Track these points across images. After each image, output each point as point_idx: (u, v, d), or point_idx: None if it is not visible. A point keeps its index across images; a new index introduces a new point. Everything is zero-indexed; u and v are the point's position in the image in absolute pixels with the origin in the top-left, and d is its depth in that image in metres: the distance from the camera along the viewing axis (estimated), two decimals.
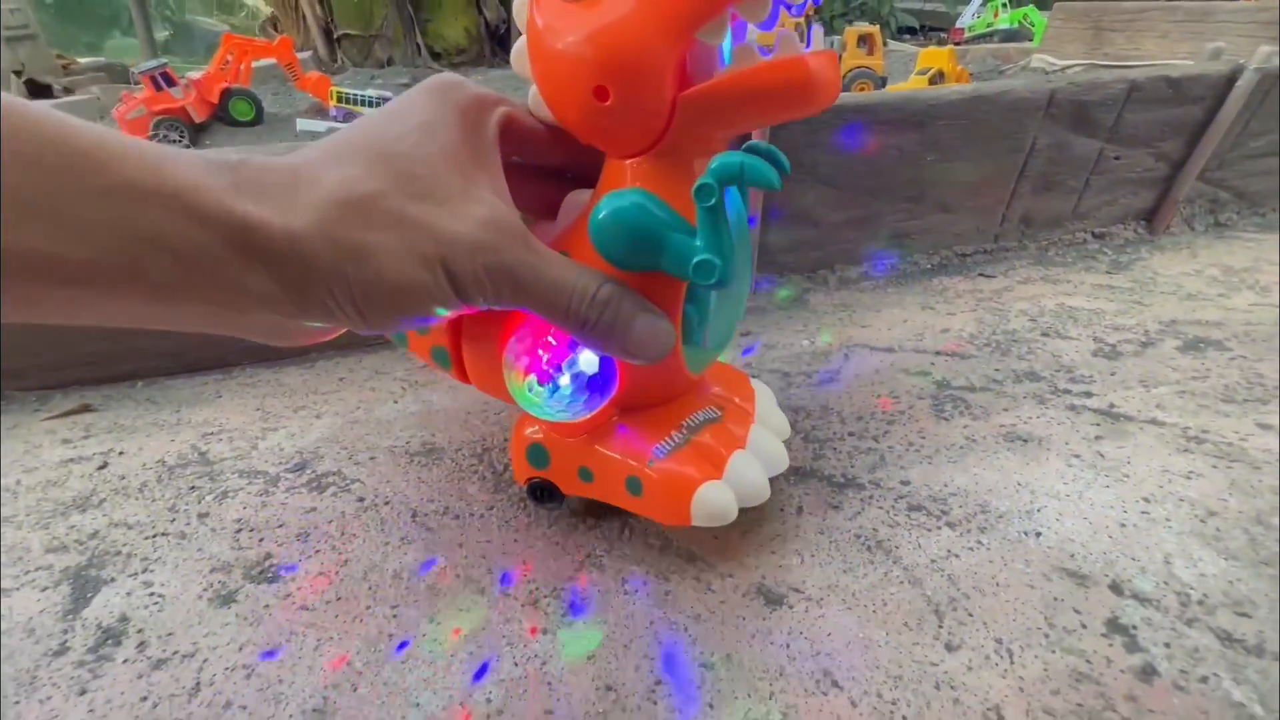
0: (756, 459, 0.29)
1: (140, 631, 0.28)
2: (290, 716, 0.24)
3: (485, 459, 0.38)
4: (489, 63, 2.25)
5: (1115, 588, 0.27)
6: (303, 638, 0.27)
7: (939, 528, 0.31)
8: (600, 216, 0.22)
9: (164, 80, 1.07)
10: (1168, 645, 0.24)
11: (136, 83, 1.35)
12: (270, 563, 0.31)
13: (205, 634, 0.28)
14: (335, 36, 1.99)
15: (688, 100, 0.20)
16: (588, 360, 0.25)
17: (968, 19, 2.67)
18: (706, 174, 0.20)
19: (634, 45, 0.19)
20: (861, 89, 1.16)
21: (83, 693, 0.26)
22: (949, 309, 0.52)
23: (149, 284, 0.16)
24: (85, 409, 0.46)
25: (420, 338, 0.31)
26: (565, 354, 0.24)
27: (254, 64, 1.33)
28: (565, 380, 0.25)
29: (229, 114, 1.16)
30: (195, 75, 1.13)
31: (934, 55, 0.78)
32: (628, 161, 0.23)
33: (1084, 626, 0.25)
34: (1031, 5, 2.18)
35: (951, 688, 0.23)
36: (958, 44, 2.50)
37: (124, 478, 0.38)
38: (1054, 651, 0.24)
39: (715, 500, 0.27)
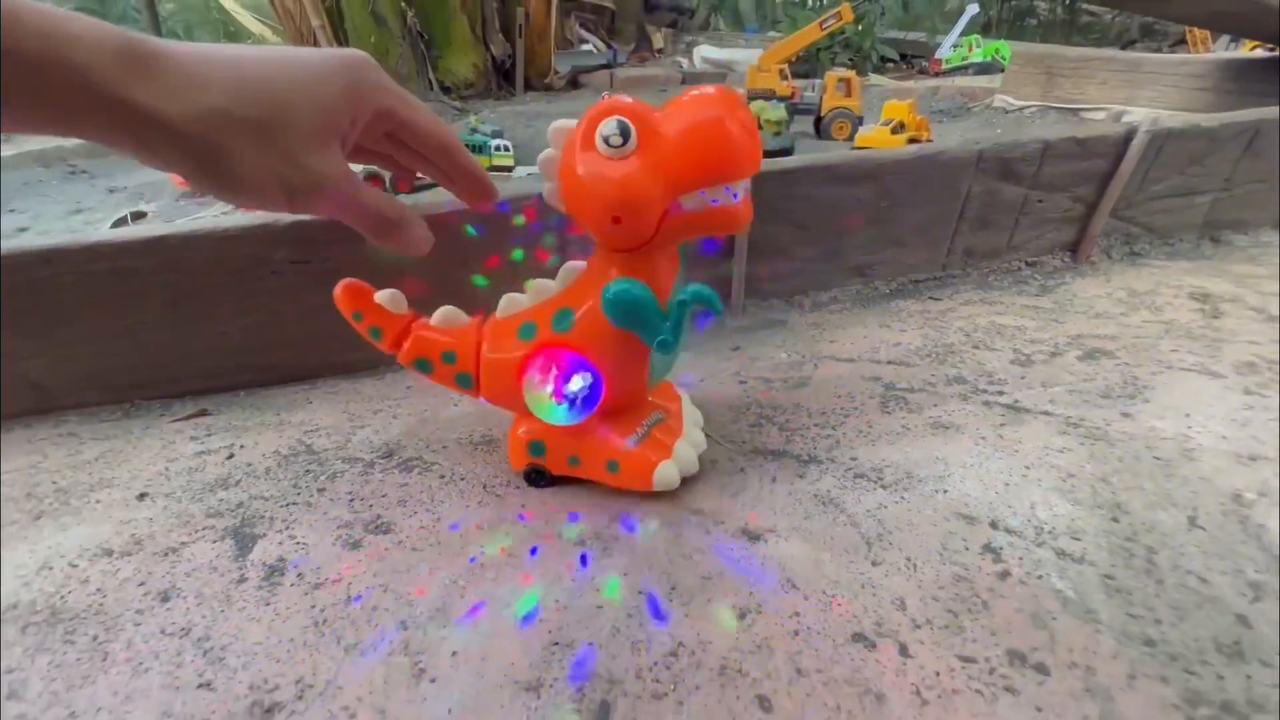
0: (690, 445, 0.43)
1: (296, 567, 0.39)
2: (420, 614, 0.35)
3: None
4: (495, 95, 2.39)
5: (993, 524, 0.38)
6: (417, 567, 0.38)
7: (875, 489, 0.42)
8: (616, 291, 0.35)
9: None
10: (1021, 558, 0.36)
11: None
12: (381, 520, 0.42)
13: (346, 567, 0.38)
14: None
15: (667, 225, 0.33)
16: (582, 383, 0.38)
17: (946, 50, 2.84)
18: (686, 294, 0.36)
19: (643, 197, 0.31)
20: (840, 128, 1.30)
21: (267, 604, 0.36)
22: (901, 327, 0.64)
23: (60, 126, 0.23)
24: (203, 413, 0.57)
25: (445, 367, 0.42)
26: (569, 377, 0.38)
27: None
28: (576, 387, 0.38)
29: None
30: None
31: (896, 108, 0.90)
32: (617, 253, 0.36)
33: (966, 549, 0.36)
34: (1003, 41, 2.34)
35: (873, 587, 0.34)
36: (936, 74, 2.66)
37: (250, 464, 0.49)
38: (944, 564, 0.36)
39: (668, 474, 0.41)
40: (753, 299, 0.67)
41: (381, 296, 0.43)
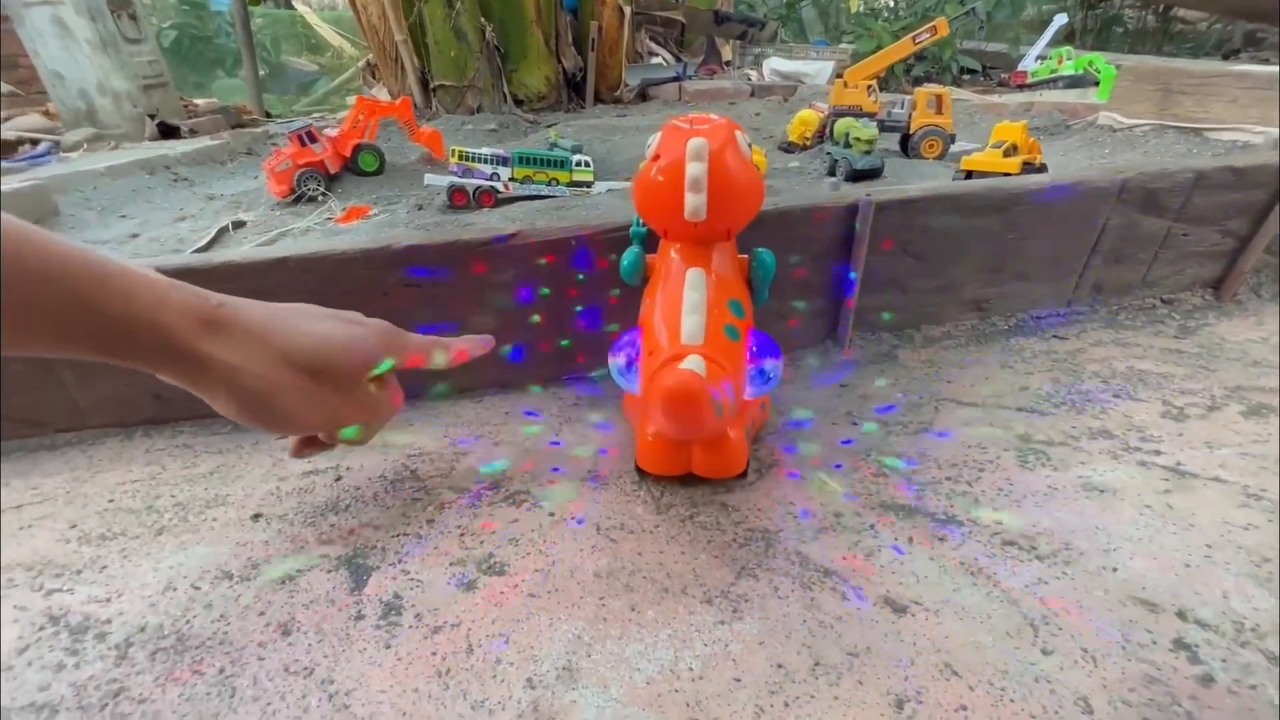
0: None
1: (413, 607, 0.38)
2: (547, 672, 0.33)
3: (643, 486, 0.47)
4: (565, 108, 2.41)
5: (1180, 615, 0.34)
6: (538, 616, 0.36)
7: (1029, 560, 0.38)
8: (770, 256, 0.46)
9: (308, 138, 1.23)
10: (1224, 660, 0.31)
11: (259, 137, 1.54)
12: (494, 560, 0.41)
13: (463, 610, 0.37)
14: (431, 86, 2.19)
15: None
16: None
17: (1030, 63, 2.71)
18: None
19: None
20: (931, 146, 1.24)
21: (387, 646, 0.35)
22: (1027, 368, 0.59)
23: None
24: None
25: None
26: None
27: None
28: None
29: (358, 165, 1.32)
30: (332, 133, 1.29)
31: (1008, 130, 0.85)
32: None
33: (1154, 643, 0.32)
34: (1098, 54, 2.21)
35: (1048, 681, 0.31)
36: (1020, 87, 2.54)
37: (358, 488, 0.49)
38: (1130, 660, 0.31)
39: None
40: (859, 330, 0.64)
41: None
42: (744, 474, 0.46)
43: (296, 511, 0.47)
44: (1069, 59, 2.29)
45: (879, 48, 2.44)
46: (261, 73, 3.61)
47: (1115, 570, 0.37)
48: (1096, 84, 2.12)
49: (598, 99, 2.51)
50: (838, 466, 0.48)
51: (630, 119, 2.12)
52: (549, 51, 2.37)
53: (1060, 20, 2.77)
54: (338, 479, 0.50)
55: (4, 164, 1.86)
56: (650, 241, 0.48)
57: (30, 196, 1.22)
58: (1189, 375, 0.57)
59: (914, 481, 0.46)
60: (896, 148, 1.36)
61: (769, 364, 0.42)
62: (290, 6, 5.50)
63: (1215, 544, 0.38)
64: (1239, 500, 0.42)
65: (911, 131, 1.27)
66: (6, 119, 2.58)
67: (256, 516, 0.47)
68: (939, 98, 1.24)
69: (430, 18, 2.08)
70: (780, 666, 0.32)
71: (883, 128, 1.33)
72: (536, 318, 0.57)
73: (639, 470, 0.47)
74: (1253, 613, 0.34)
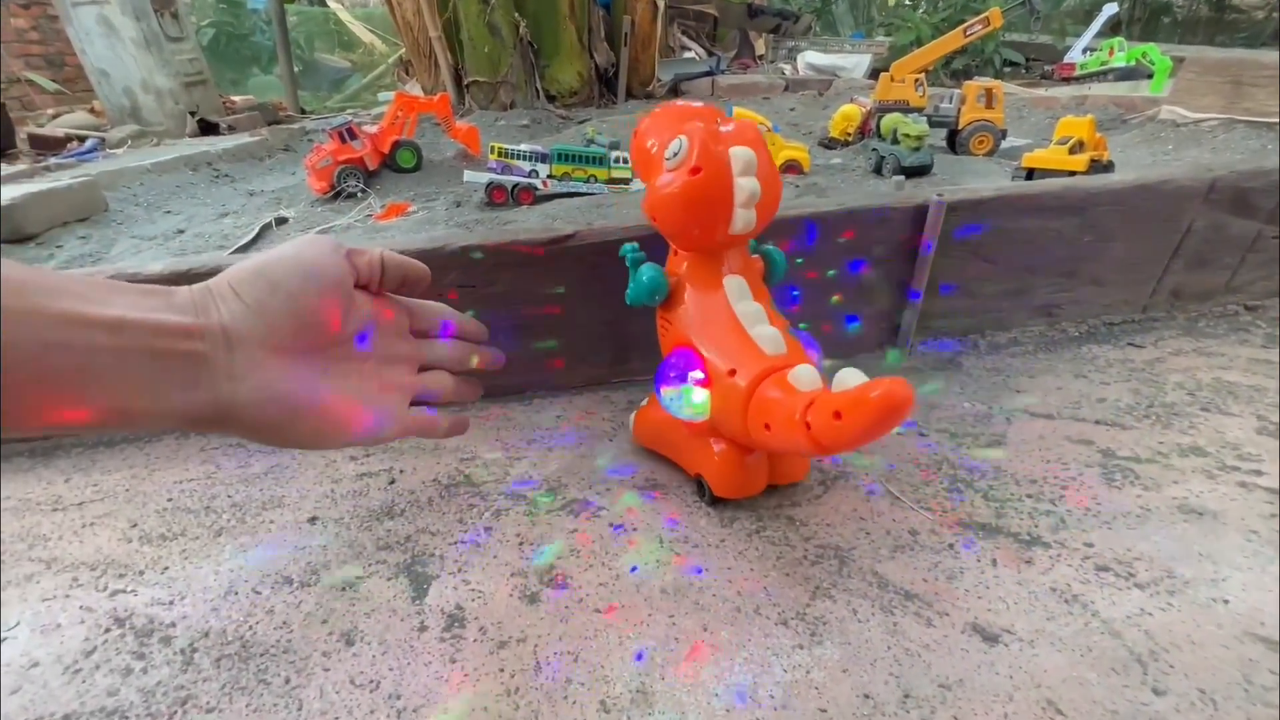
0: None
1: (477, 619, 0.37)
2: (620, 695, 0.32)
3: (704, 496, 0.45)
4: (597, 104, 2.40)
5: None
6: (605, 634, 0.35)
7: (1128, 588, 0.36)
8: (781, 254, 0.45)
9: (349, 135, 1.24)
10: None
11: (299, 133, 1.56)
12: (555, 572, 0.40)
13: (528, 624, 0.36)
14: (465, 83, 2.19)
15: None
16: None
17: (1077, 54, 2.61)
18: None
19: None
20: (981, 142, 1.20)
21: (453, 660, 0.34)
22: (1102, 378, 0.56)
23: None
24: None
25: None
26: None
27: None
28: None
29: (396, 162, 1.32)
30: (371, 130, 1.29)
31: (1074, 125, 0.81)
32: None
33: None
34: (1153, 44, 2.12)
35: None
36: (1066, 79, 2.46)
37: (413, 492, 0.48)
38: (1254, 705, 0.29)
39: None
40: (920, 336, 0.61)
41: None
42: (803, 480, 0.44)
43: (352, 515, 0.46)
44: (1120, 50, 2.20)
45: (918, 41, 2.38)
46: (296, 69, 3.65)
47: (1227, 602, 0.34)
48: (1150, 76, 2.03)
49: (630, 94, 2.49)
50: (908, 480, 0.45)
51: None
52: (582, 47, 2.36)
53: (1110, 10, 2.67)
54: (391, 482, 0.50)
55: (53, 160, 1.91)
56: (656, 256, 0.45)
57: (82, 192, 1.25)
58: None
59: (992, 499, 0.43)
60: (943, 144, 1.32)
61: (818, 360, 0.40)
62: (323, 4, 5.57)
63: None
64: None
65: (960, 127, 1.23)
66: (54, 116, 2.66)
67: (313, 520, 0.46)
68: (989, 91, 1.20)
69: (465, 14, 2.08)
70: (868, 697, 0.31)
71: (930, 123, 1.29)
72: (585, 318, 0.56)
73: (710, 497, 0.44)
74: None
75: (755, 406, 0.36)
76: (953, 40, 1.45)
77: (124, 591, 0.41)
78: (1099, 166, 0.84)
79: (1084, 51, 2.56)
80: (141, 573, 0.42)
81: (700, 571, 0.39)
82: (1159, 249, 0.59)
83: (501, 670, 0.34)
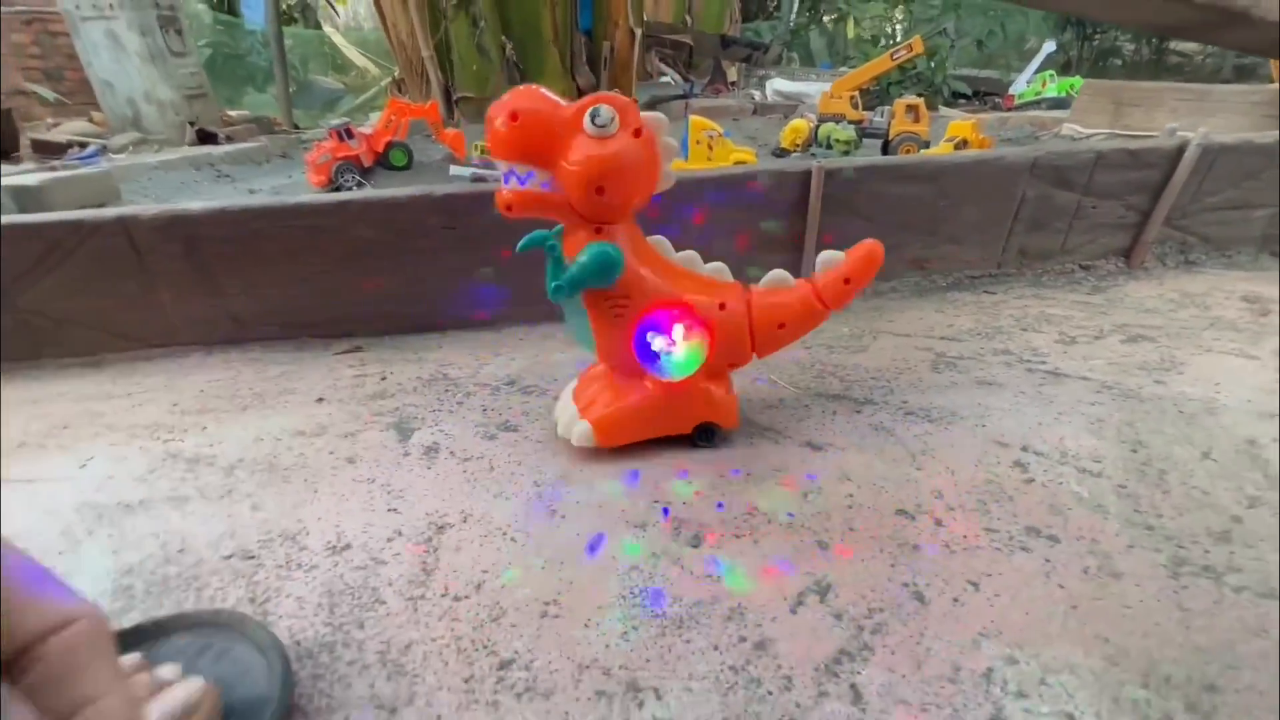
0: None
1: (448, 448, 0.49)
2: (550, 477, 0.44)
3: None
4: None
5: (1024, 449, 0.45)
6: (542, 452, 0.48)
7: (922, 423, 0.49)
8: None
9: (346, 134, 1.38)
10: (1045, 471, 0.42)
11: (303, 136, 1.71)
12: (509, 423, 0.53)
13: (487, 449, 0.49)
14: (454, 99, 2.35)
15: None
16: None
17: (1020, 86, 2.86)
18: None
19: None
20: (907, 150, 1.37)
21: (429, 468, 0.47)
22: (955, 313, 0.71)
23: None
24: (358, 349, 0.69)
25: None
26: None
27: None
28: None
29: (389, 161, 1.46)
30: (366, 130, 1.43)
31: (960, 127, 0.97)
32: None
33: (999, 463, 0.43)
34: (1079, 76, 2.35)
35: (915, 483, 0.42)
36: (1009, 110, 2.68)
37: (401, 384, 0.61)
38: (978, 471, 0.43)
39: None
40: None
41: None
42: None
43: (352, 397, 0.59)
44: (1051, 82, 2.43)
45: None
46: (291, 89, 3.80)
47: (984, 426, 0.48)
48: None
49: None
50: (785, 373, 0.59)
51: None
52: (565, 69, 2.54)
53: (1049, 48, 2.93)
54: (383, 378, 0.62)
55: (56, 163, 2.03)
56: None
57: (98, 180, 1.37)
58: (1088, 317, 0.68)
59: (845, 380, 0.57)
60: (879, 154, 1.49)
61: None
62: (318, 27, 5.76)
63: (1065, 412, 0.49)
64: (1095, 389, 0.53)
65: (890, 137, 1.40)
66: (55, 124, 2.77)
67: (320, 400, 0.59)
68: (915, 108, 1.38)
69: (455, 35, 2.26)
70: (722, 476, 0.44)
71: (865, 134, 1.46)
72: None
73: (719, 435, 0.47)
74: (1077, 447, 0.45)
75: (761, 317, 0.43)
76: (881, 64, 1.64)
77: (172, 439, 0.53)
78: (976, 151, 1.01)
79: (1026, 84, 2.80)
80: (186, 431, 0.54)
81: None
82: (1001, 214, 0.74)
83: (464, 472, 0.46)
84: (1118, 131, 1.30)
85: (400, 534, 0.40)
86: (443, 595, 0.35)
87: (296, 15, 5.68)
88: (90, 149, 2.31)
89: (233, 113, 3.25)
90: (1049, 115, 1.69)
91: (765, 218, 0.70)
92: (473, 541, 0.39)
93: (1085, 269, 0.80)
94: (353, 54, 5.71)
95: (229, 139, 2.51)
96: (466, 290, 0.70)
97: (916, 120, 1.39)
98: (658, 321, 0.42)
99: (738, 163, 1.30)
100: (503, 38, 2.29)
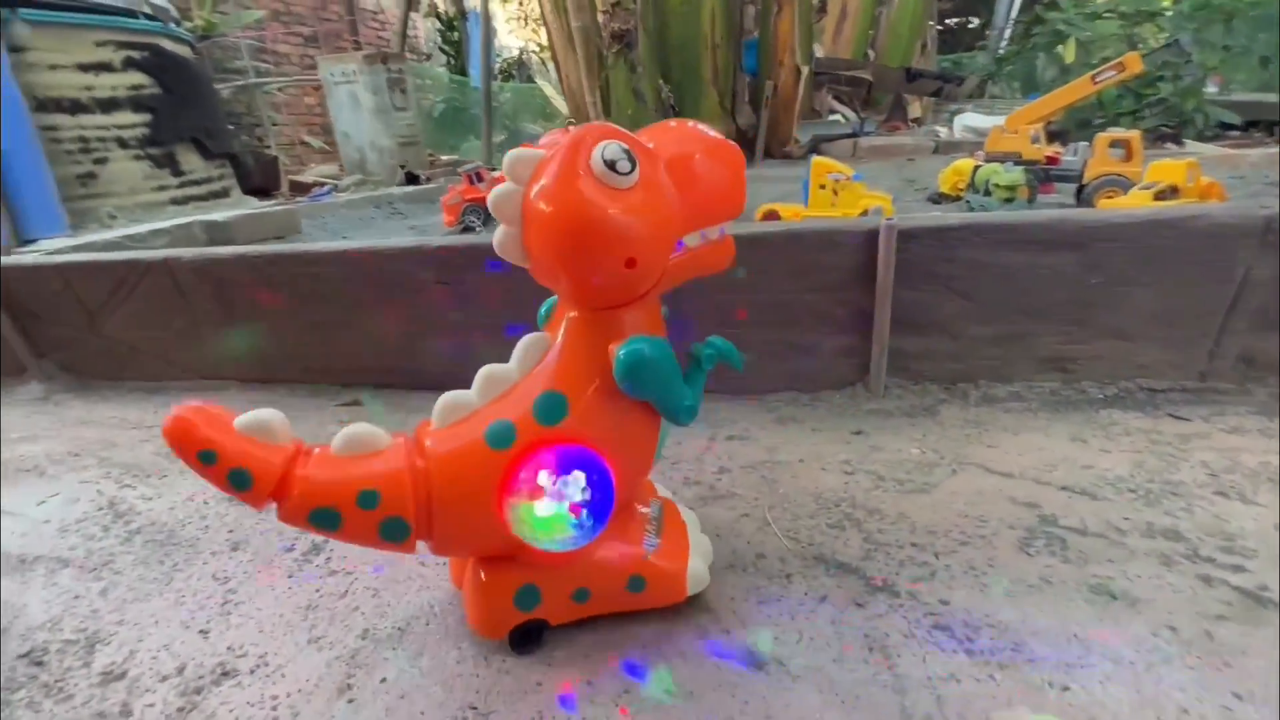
0: (700, 538, 0.35)
1: (327, 554, 0.42)
2: (379, 679, 0.34)
3: None
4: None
5: None
6: (385, 608, 0.38)
7: (955, 652, 0.30)
8: (635, 353, 0.27)
9: (477, 178, 1.43)
10: None
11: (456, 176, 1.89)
12: None
13: (359, 566, 0.40)
14: None
15: (671, 267, 0.28)
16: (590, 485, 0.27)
17: None
18: (709, 348, 0.30)
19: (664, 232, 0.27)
20: (1110, 196, 1.05)
21: (289, 577, 0.39)
22: (1104, 446, 0.47)
23: None
24: (357, 402, 0.66)
25: (363, 515, 0.27)
26: (585, 480, 0.27)
27: None
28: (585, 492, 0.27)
29: None
30: (497, 174, 1.49)
31: (1167, 169, 0.67)
32: (616, 310, 0.28)
33: None
34: None
35: None
36: None
37: None
38: None
39: (699, 571, 0.33)
40: (899, 378, 0.56)
41: (248, 421, 0.27)
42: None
43: None
44: None
45: (1100, 100, 2.13)
46: (501, 136, 4.26)
47: (1067, 690, 0.27)
48: None
49: (768, 154, 2.54)
50: (791, 509, 0.42)
51: (795, 168, 2.11)
52: (723, 110, 2.48)
53: None
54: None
55: (299, 199, 2.44)
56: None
57: (283, 217, 1.60)
58: None
59: (872, 540, 0.39)
60: (1072, 200, 1.17)
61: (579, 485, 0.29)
62: (531, 81, 6.47)
63: (1247, 697, 0.26)
64: None
65: (1085, 181, 1.08)
66: (313, 167, 3.41)
67: None
68: (1126, 143, 1.05)
69: (614, 81, 2.32)
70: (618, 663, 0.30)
71: (1051, 177, 1.16)
72: None
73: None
74: None
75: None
76: (1079, 88, 1.29)
77: (128, 486, 0.52)
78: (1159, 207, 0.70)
79: None
80: (148, 477, 0.54)
81: None
82: (1205, 301, 0.48)
83: (316, 592, 0.38)
84: None
85: (180, 672, 0.33)
86: None
87: (514, 72, 6.42)
88: (326, 188, 2.76)
89: (444, 157, 3.72)
90: None
91: (812, 289, 0.53)
92: (234, 709, 0.30)
93: None
94: (561, 104, 6.31)
95: (429, 180, 2.86)
96: (469, 350, 0.64)
97: (1127, 159, 1.06)
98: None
99: (865, 210, 1.09)
100: (660, 81, 2.29)
